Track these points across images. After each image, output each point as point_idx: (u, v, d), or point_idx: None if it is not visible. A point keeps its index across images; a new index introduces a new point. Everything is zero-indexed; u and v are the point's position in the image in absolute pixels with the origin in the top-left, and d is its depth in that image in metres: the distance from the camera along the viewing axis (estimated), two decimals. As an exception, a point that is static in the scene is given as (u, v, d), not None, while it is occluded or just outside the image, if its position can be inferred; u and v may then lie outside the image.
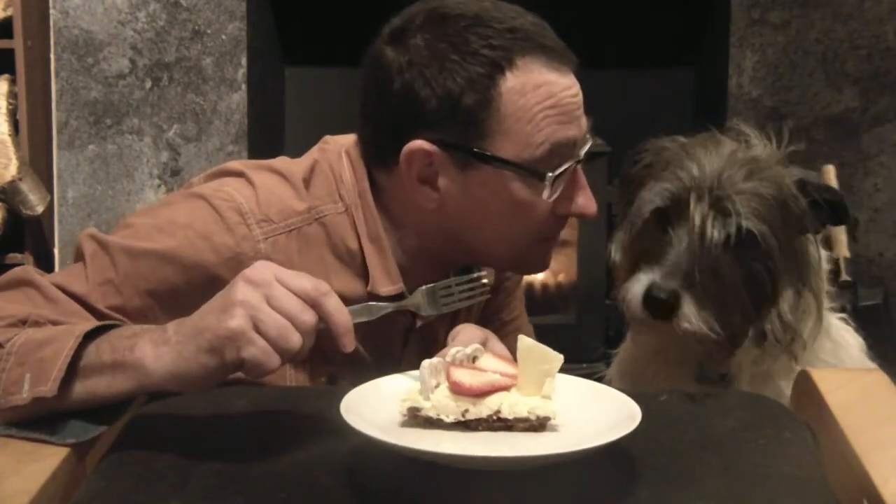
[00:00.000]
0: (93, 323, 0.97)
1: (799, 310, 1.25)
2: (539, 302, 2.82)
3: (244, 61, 2.62)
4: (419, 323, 1.20)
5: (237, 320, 0.86)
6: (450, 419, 0.86)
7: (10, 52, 2.45)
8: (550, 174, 1.09)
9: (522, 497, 0.82)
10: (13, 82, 2.48)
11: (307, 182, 1.15)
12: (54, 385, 0.91)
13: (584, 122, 1.13)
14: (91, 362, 0.93)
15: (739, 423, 0.97)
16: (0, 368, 0.94)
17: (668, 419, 0.98)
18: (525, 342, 0.88)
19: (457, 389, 0.86)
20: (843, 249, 2.35)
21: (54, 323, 1.02)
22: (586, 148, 1.13)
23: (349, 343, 0.91)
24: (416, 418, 0.87)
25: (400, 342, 1.22)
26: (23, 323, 1.00)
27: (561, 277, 2.87)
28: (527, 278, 2.81)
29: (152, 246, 1.08)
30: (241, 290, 0.88)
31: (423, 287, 1.08)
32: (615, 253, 1.34)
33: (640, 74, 2.92)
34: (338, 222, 1.14)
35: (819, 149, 2.64)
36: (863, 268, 2.67)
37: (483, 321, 1.35)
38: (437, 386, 0.87)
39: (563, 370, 0.89)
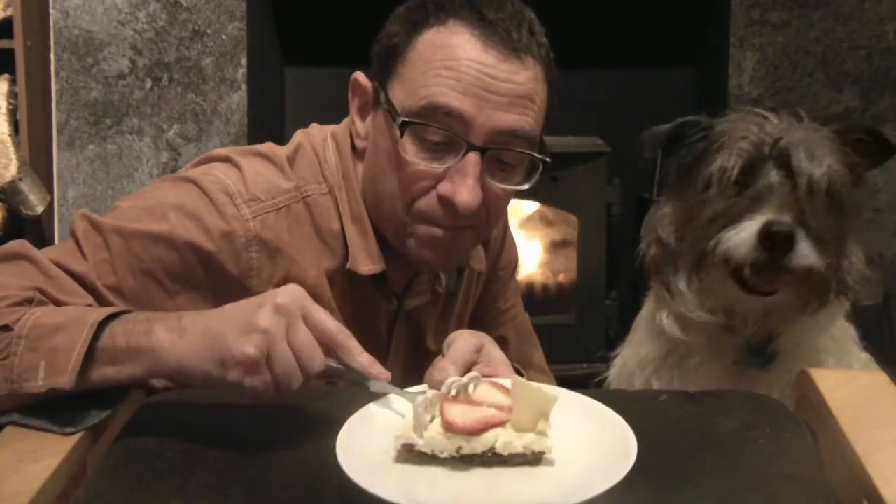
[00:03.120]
0: (105, 310, 0.97)
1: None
2: (539, 302, 2.82)
3: (244, 61, 2.62)
4: (406, 308, 1.22)
5: (254, 349, 0.87)
6: (444, 455, 0.84)
7: (10, 52, 2.45)
8: (402, 119, 1.06)
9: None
10: (13, 82, 2.47)
11: (291, 161, 1.17)
12: (72, 376, 0.92)
13: (494, 113, 1.06)
14: (104, 347, 0.94)
15: (739, 423, 0.97)
16: (11, 352, 0.94)
17: (668, 419, 0.98)
18: (518, 382, 0.86)
19: (450, 429, 0.84)
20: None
21: (56, 301, 1.02)
22: (484, 141, 1.07)
23: (379, 371, 0.93)
24: (410, 454, 0.85)
25: (386, 328, 1.23)
26: (28, 302, 1.00)
27: (561, 277, 2.86)
28: (527, 278, 2.83)
29: (144, 227, 1.08)
30: (266, 316, 0.88)
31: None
32: (664, 229, 1.34)
33: (640, 74, 2.92)
34: (321, 202, 1.15)
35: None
36: (863, 267, 2.67)
37: (479, 311, 1.37)
38: (431, 420, 0.85)
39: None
